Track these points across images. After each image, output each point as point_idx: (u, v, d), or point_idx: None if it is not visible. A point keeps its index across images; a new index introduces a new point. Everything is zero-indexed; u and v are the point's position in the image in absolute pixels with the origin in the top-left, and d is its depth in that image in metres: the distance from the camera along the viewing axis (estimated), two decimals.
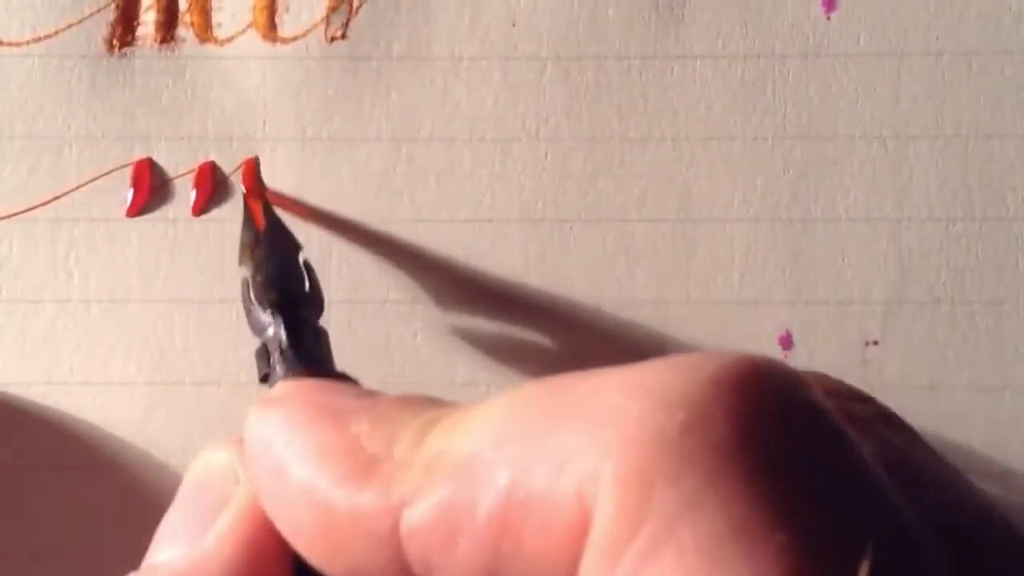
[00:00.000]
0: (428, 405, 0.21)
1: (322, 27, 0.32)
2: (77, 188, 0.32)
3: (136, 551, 0.31)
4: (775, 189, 0.32)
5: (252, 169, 0.32)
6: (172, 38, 0.32)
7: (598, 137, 0.32)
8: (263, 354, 0.26)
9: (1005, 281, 0.31)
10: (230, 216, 0.32)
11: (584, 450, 0.17)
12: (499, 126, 0.32)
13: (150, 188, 0.32)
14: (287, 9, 0.32)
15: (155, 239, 0.32)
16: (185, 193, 0.32)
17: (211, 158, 0.32)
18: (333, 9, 0.32)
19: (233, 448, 0.23)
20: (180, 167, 0.32)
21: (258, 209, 0.29)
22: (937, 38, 0.32)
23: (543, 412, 0.18)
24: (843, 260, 0.32)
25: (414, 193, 0.32)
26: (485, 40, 0.32)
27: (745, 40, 0.32)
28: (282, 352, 0.25)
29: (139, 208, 0.32)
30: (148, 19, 0.32)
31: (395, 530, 0.19)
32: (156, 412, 0.32)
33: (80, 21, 0.32)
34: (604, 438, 0.17)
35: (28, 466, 0.31)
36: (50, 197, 0.32)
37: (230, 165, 0.32)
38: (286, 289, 0.27)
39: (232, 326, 0.32)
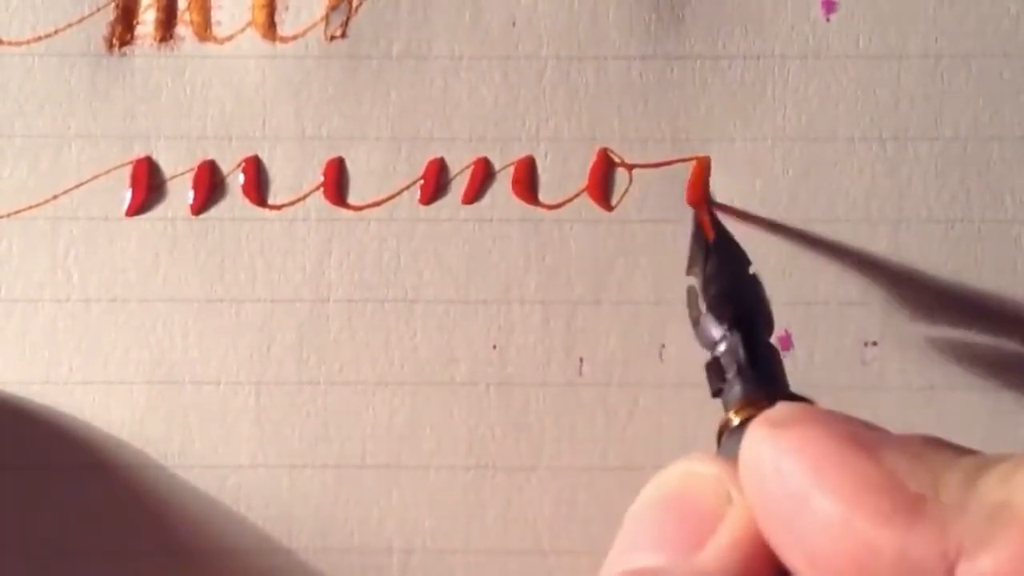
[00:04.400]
0: (954, 447, 0.20)
1: (322, 26, 0.32)
2: (76, 187, 0.32)
3: (135, 551, 0.31)
4: (775, 190, 0.32)
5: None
6: (171, 37, 0.32)
7: (598, 137, 0.32)
8: (716, 368, 0.25)
9: (1004, 282, 0.32)
10: (229, 215, 0.32)
11: None
12: (499, 126, 0.32)
13: (149, 187, 0.32)
14: (286, 8, 0.32)
15: (154, 238, 0.32)
16: (184, 192, 0.32)
17: (210, 157, 0.32)
18: (333, 8, 0.32)
19: (718, 464, 0.22)
20: (179, 166, 0.32)
21: (707, 219, 0.29)
22: (936, 40, 0.32)
23: None
24: (842, 261, 0.32)
25: (413, 192, 0.32)
26: (485, 40, 0.32)
27: (745, 41, 0.32)
28: (739, 368, 0.25)
29: (138, 207, 0.32)
30: (148, 18, 0.32)
31: None
32: (155, 412, 0.32)
33: (80, 20, 0.32)
34: None
35: (27, 466, 0.31)
36: (49, 196, 0.32)
37: (229, 164, 0.32)
38: (742, 304, 0.26)
39: (231, 326, 0.32)
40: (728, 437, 0.24)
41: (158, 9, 0.32)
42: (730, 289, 0.26)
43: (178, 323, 0.32)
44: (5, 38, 0.32)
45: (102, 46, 0.32)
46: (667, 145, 0.32)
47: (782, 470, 0.20)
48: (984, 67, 0.32)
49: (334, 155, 0.32)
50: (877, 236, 0.32)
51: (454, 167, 0.32)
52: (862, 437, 0.20)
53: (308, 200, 0.32)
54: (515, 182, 0.32)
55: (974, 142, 0.32)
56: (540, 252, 0.32)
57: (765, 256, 0.32)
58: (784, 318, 0.31)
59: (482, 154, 0.32)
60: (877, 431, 0.21)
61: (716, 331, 0.26)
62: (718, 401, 0.31)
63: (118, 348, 0.32)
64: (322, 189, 0.32)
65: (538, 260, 0.32)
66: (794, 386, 0.31)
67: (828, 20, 0.32)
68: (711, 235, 0.28)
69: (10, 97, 0.32)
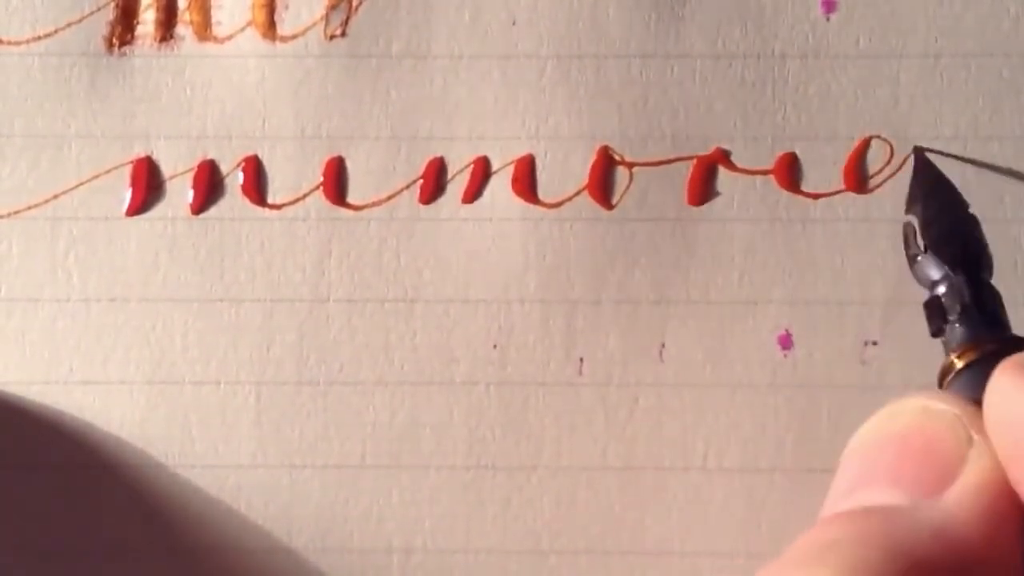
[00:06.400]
0: None
1: (321, 25, 0.32)
2: (76, 187, 0.32)
3: (135, 551, 0.31)
4: (774, 189, 0.32)
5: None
6: (171, 37, 0.32)
7: (598, 137, 0.32)
8: (936, 308, 0.25)
9: (1004, 282, 0.31)
10: (229, 215, 0.32)
11: None
12: (499, 125, 0.32)
13: (149, 187, 0.32)
14: (286, 7, 0.32)
15: (154, 238, 0.32)
16: (184, 192, 0.32)
17: (210, 157, 0.32)
18: (332, 7, 0.32)
19: (956, 403, 0.22)
20: (179, 166, 0.32)
21: (925, 158, 0.29)
22: (936, 40, 0.32)
23: None
24: (842, 260, 0.32)
25: (413, 192, 0.32)
26: (485, 39, 0.32)
27: (745, 40, 0.32)
28: (964, 309, 0.24)
29: (138, 207, 0.32)
30: (148, 18, 0.32)
31: None
32: (155, 411, 0.32)
33: (80, 20, 0.32)
34: None
35: (27, 466, 0.31)
36: (49, 196, 0.32)
37: (229, 164, 0.32)
38: (967, 244, 0.26)
39: (232, 325, 0.32)
40: (954, 379, 0.23)
41: (158, 9, 0.32)
42: (952, 229, 0.26)
43: (178, 323, 0.32)
44: (5, 38, 0.32)
45: (102, 46, 0.32)
46: (667, 143, 0.32)
47: None
48: (984, 67, 0.32)
49: (334, 154, 0.32)
50: (877, 235, 0.32)
51: (454, 166, 0.32)
52: None
53: (308, 199, 0.32)
54: (515, 181, 0.32)
55: (973, 141, 0.32)
56: (540, 252, 0.32)
57: (764, 259, 0.32)
58: (784, 318, 0.31)
59: (482, 153, 0.32)
60: None
61: (937, 271, 0.25)
62: (718, 401, 0.31)
63: (118, 348, 0.32)
64: (322, 188, 0.32)
65: (538, 260, 0.32)
66: (794, 385, 0.31)
67: (828, 19, 0.32)
68: (929, 175, 0.28)
69: (10, 97, 0.32)
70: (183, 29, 0.32)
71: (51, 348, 0.32)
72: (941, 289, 0.25)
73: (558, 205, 0.32)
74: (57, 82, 0.32)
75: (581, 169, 0.32)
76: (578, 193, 0.32)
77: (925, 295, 0.26)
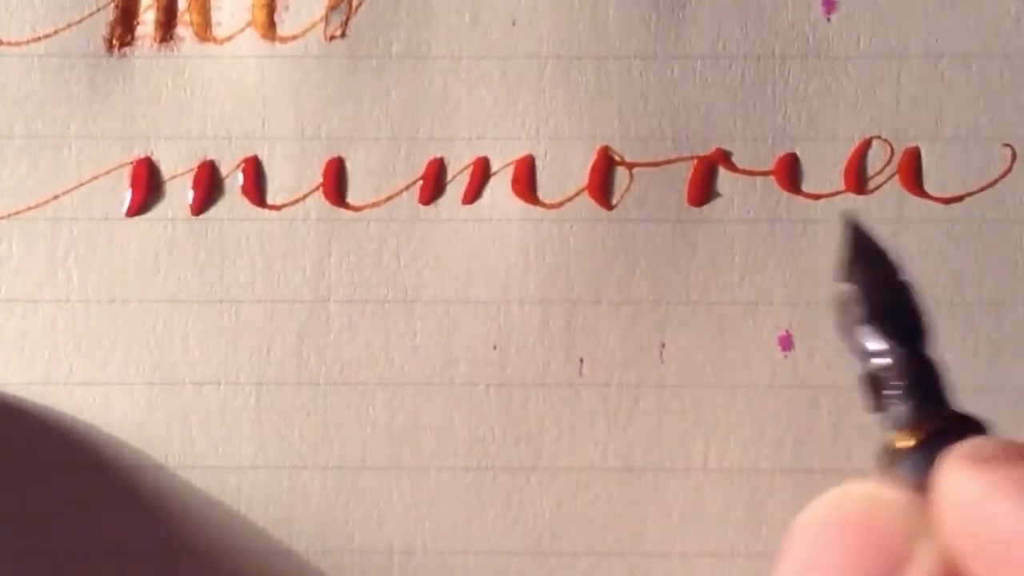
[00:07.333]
0: None
1: (321, 26, 0.32)
2: (76, 188, 0.32)
3: (135, 551, 0.31)
4: (774, 190, 0.32)
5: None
6: (171, 37, 0.32)
7: (598, 137, 0.32)
8: (873, 383, 0.24)
9: (1004, 282, 0.32)
10: (228, 216, 0.32)
11: None
12: (499, 125, 0.32)
13: (149, 187, 0.32)
14: (286, 8, 0.32)
15: (154, 239, 0.32)
16: (184, 193, 0.32)
17: (210, 157, 0.32)
18: (332, 8, 0.32)
19: (905, 492, 0.22)
20: (179, 166, 0.32)
21: (856, 225, 0.28)
22: (937, 40, 0.32)
23: None
24: None
25: (413, 193, 0.32)
26: (485, 39, 0.32)
27: (745, 40, 0.32)
28: (908, 386, 0.24)
29: (138, 208, 0.32)
30: (147, 19, 0.32)
31: None
32: (155, 412, 0.32)
33: (80, 21, 0.32)
34: None
35: (27, 466, 0.31)
36: (49, 196, 0.32)
37: (229, 164, 0.32)
38: (904, 318, 0.25)
39: (231, 326, 0.32)
40: (902, 460, 0.23)
41: (158, 10, 0.32)
42: (891, 302, 0.25)
43: (178, 324, 0.32)
44: (5, 38, 0.32)
45: (102, 47, 0.32)
46: (667, 144, 0.32)
47: (996, 512, 0.20)
48: (984, 67, 0.32)
49: (333, 155, 0.32)
50: (877, 236, 0.32)
51: (453, 167, 0.32)
52: None
53: (308, 200, 0.32)
54: (515, 181, 0.32)
55: (974, 142, 0.32)
56: (540, 252, 0.32)
57: (765, 260, 0.32)
58: (784, 318, 0.31)
59: (481, 153, 0.32)
60: None
61: (878, 344, 0.24)
62: (718, 402, 0.31)
63: (118, 349, 0.32)
64: (321, 189, 0.32)
65: (538, 260, 0.32)
66: (794, 386, 0.31)
67: (828, 20, 0.32)
68: (864, 241, 0.27)
69: (10, 97, 0.32)
70: (183, 30, 0.32)
71: (51, 349, 0.32)
72: (879, 362, 0.24)
73: (558, 206, 0.32)
74: (57, 83, 0.32)
75: (581, 170, 0.32)
76: (578, 194, 0.32)
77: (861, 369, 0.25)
